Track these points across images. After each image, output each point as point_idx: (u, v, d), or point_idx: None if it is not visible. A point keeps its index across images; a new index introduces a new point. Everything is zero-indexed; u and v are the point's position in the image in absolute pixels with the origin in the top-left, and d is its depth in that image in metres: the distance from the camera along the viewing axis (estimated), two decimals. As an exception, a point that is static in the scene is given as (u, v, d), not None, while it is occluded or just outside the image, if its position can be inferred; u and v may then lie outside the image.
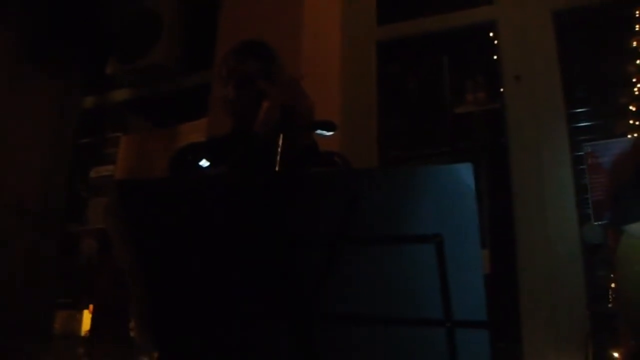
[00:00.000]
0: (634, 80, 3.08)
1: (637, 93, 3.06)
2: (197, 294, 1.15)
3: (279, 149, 1.56)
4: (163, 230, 1.14)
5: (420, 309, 1.04)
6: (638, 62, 3.10)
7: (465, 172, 0.97)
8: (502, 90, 3.23)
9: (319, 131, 1.75)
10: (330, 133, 1.76)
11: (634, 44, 3.13)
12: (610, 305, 2.77)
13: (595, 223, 2.84)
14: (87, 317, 3.72)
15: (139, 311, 3.10)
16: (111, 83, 4.29)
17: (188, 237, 1.13)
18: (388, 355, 1.09)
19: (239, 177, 1.22)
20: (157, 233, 1.15)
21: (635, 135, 2.96)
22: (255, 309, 1.11)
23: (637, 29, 3.13)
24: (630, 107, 3.05)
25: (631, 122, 3.03)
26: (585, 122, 3.12)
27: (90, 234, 4.00)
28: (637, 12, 3.14)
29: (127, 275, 2.93)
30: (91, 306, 3.68)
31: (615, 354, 2.64)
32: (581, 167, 2.96)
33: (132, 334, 3.31)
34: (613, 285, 2.75)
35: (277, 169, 1.53)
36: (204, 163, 1.88)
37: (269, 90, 1.81)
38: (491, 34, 3.35)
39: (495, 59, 3.30)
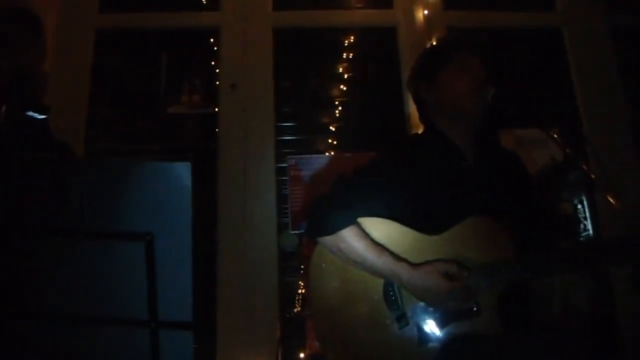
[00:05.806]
0: (336, 102, 3.36)
1: (337, 115, 3.34)
2: None
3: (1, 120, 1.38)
4: None
5: (127, 308, 1.01)
6: (341, 86, 3.38)
7: (183, 171, 0.97)
8: (217, 96, 3.26)
9: (30, 113, 1.60)
10: (43, 117, 1.62)
11: (340, 69, 3.41)
12: (299, 310, 2.95)
13: (292, 232, 2.99)
14: None
15: None
16: None
17: None
18: (90, 355, 1.03)
19: None
20: None
21: (333, 153, 3.23)
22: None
23: (344, 56, 3.42)
24: (331, 127, 3.32)
25: (330, 140, 3.29)
26: (291, 136, 3.30)
27: None
28: (346, 41, 3.43)
29: None
30: None
31: (302, 355, 2.81)
32: (284, 178, 3.11)
33: None
34: (302, 291, 2.94)
35: None
36: None
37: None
38: (212, 40, 3.39)
39: (213, 65, 3.34)
